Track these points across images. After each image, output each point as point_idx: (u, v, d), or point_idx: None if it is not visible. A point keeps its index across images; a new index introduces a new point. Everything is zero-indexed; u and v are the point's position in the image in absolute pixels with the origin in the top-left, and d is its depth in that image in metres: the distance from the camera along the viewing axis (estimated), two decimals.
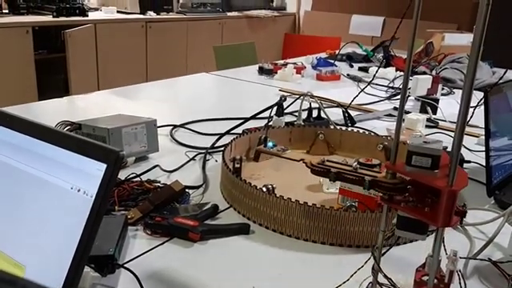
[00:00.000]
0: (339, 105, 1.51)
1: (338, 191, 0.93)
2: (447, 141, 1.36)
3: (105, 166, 0.48)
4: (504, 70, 2.14)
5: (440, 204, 0.53)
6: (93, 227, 0.47)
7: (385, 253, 0.64)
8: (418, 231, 0.58)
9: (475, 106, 0.74)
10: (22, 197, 0.54)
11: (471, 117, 0.65)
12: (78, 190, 0.50)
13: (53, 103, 1.58)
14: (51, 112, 1.50)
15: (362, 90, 1.65)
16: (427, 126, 1.48)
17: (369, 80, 2.10)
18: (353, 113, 1.61)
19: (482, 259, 0.74)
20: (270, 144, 0.98)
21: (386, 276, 0.60)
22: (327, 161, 0.72)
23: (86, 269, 0.65)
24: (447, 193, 0.52)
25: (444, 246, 0.58)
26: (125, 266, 0.71)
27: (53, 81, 3.35)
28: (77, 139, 0.52)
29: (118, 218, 0.80)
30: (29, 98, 2.88)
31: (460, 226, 0.88)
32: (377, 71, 1.53)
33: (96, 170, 0.49)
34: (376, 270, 0.62)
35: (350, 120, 1.44)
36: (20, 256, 0.52)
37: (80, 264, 0.48)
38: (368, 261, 0.62)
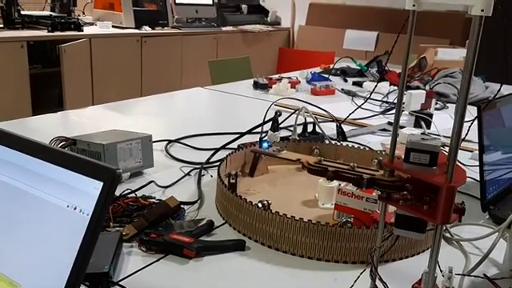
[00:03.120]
0: (334, 119, 1.51)
1: (333, 207, 0.93)
2: None
3: (101, 184, 0.48)
4: (496, 85, 2.18)
5: (439, 201, 0.52)
6: (89, 245, 0.47)
7: (383, 255, 0.63)
8: (416, 229, 0.57)
9: (471, 122, 0.74)
10: (17, 215, 0.54)
11: (467, 133, 0.65)
12: (75, 208, 0.50)
13: (47, 118, 1.58)
14: (45, 127, 1.50)
15: (359, 107, 1.65)
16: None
17: (363, 94, 2.12)
18: (347, 127, 1.62)
19: (477, 276, 0.74)
20: (265, 144, 0.96)
21: (381, 279, 0.60)
22: (324, 160, 0.71)
23: (81, 286, 0.64)
24: (446, 189, 0.51)
25: (438, 262, 0.58)
26: (120, 283, 0.71)
27: (47, 95, 3.35)
28: (73, 157, 0.52)
29: (112, 235, 0.80)
30: (23, 112, 2.87)
31: (455, 241, 0.88)
32: (374, 88, 1.54)
33: (92, 188, 0.49)
34: (374, 272, 0.61)
35: (341, 136, 1.44)
36: (15, 275, 0.52)
37: (76, 283, 0.47)
38: (365, 271, 0.62)
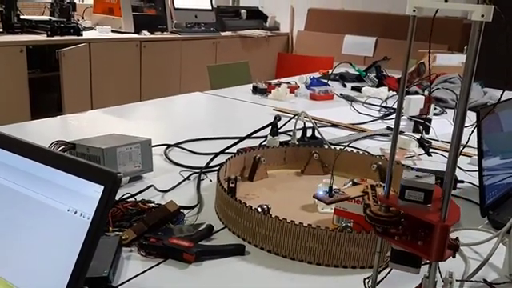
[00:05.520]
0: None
1: (333, 211, 0.93)
2: (440, 160, 1.37)
3: (102, 187, 0.48)
4: (494, 90, 2.18)
5: (433, 238, 0.53)
6: (89, 249, 0.47)
7: (379, 282, 0.64)
8: (411, 264, 0.58)
9: (472, 129, 0.75)
10: (17, 219, 0.54)
11: (467, 141, 0.66)
12: (75, 212, 0.50)
13: (46, 122, 1.58)
14: (44, 131, 1.50)
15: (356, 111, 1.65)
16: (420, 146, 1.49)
17: (362, 99, 2.13)
18: (346, 132, 1.62)
19: (477, 281, 0.74)
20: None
21: None
22: None
23: None
24: (440, 227, 0.53)
25: (439, 267, 0.59)
26: (119, 287, 0.71)
27: (46, 100, 3.34)
28: (74, 161, 0.52)
29: (112, 239, 0.80)
30: (22, 116, 2.87)
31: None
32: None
33: (93, 191, 0.49)
34: None
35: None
36: (15, 279, 0.52)
37: (76, 287, 0.47)
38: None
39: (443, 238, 0.53)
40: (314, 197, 0.91)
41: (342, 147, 1.31)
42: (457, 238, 0.58)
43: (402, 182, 0.56)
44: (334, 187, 0.97)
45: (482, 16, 0.46)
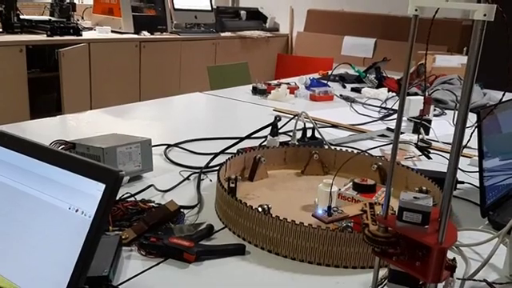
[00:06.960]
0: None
1: None
2: (440, 161, 1.37)
3: (104, 186, 0.48)
4: (493, 91, 2.19)
5: (430, 260, 0.54)
6: (91, 248, 0.47)
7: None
8: (409, 285, 0.59)
9: (472, 130, 0.75)
10: (18, 217, 0.54)
11: (468, 140, 0.66)
12: (76, 210, 0.50)
13: (45, 122, 1.58)
14: (44, 131, 1.50)
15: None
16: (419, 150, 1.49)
17: (361, 100, 2.13)
18: (346, 133, 1.62)
19: (478, 280, 0.74)
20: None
21: None
22: None
23: None
24: (437, 250, 0.53)
25: None
26: (119, 287, 0.70)
27: (45, 100, 3.34)
28: (75, 159, 0.52)
29: (112, 239, 0.80)
30: (21, 116, 2.86)
31: (455, 246, 0.88)
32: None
33: (95, 190, 0.49)
34: None
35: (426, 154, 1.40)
36: (15, 277, 0.52)
37: (77, 285, 0.47)
38: None
39: (440, 260, 0.53)
40: (313, 216, 0.91)
41: (359, 151, 1.31)
42: (454, 258, 0.58)
43: (399, 203, 0.56)
44: (334, 188, 0.97)
45: (484, 15, 0.46)
